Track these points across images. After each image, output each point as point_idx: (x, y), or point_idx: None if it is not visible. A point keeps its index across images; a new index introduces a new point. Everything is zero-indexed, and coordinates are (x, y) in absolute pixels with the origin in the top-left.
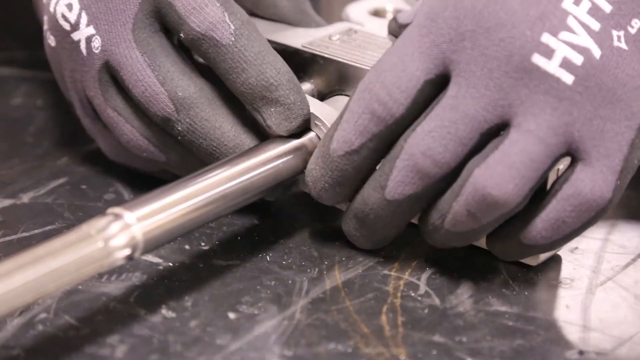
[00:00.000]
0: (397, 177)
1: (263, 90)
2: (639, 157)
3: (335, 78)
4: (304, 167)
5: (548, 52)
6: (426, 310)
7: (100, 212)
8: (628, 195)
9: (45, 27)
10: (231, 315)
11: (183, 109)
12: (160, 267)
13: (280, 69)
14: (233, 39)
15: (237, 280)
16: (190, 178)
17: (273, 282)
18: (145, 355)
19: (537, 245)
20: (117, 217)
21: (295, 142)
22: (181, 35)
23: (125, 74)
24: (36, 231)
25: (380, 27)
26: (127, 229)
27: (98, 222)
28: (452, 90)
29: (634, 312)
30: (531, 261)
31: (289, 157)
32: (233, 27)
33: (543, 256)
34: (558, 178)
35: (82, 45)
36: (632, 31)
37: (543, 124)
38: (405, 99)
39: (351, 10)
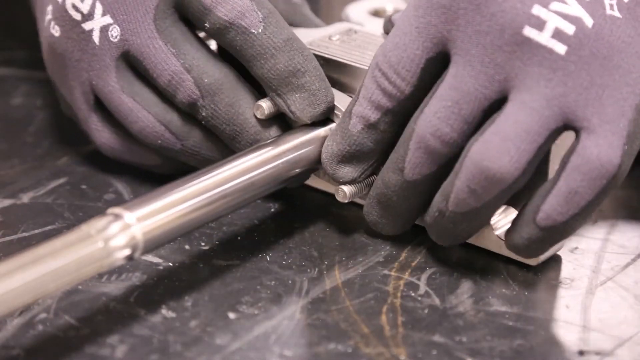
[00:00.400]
0: (412, 159)
1: (290, 76)
2: None
3: (335, 78)
4: (317, 162)
5: (539, 24)
6: (426, 310)
7: (100, 212)
8: (628, 195)
9: (49, 17)
10: (231, 315)
11: (208, 95)
12: (160, 267)
13: (307, 56)
14: (262, 26)
15: (237, 280)
16: (190, 178)
17: (273, 282)
18: (145, 355)
19: (556, 224)
20: (117, 217)
21: (311, 134)
22: (205, 25)
23: (149, 63)
24: (36, 231)
25: (380, 27)
26: (127, 229)
27: (98, 222)
28: (452, 68)
29: (634, 312)
30: (531, 261)
31: (301, 151)
32: (261, 15)
33: (543, 256)
34: (567, 152)
35: (95, 35)
36: None
37: (537, 96)
38: (412, 77)
39: (351, 10)
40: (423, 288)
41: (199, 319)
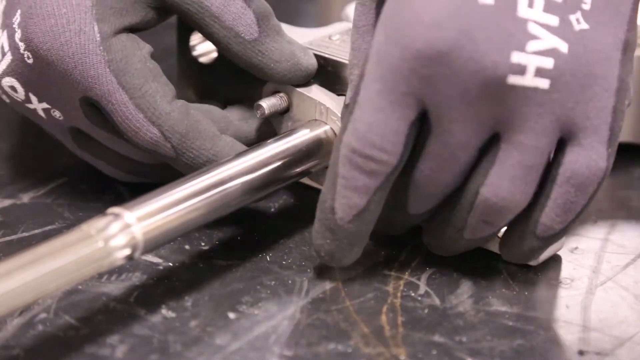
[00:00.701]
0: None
1: (300, 75)
2: (622, 119)
3: (335, 78)
4: (317, 163)
5: (521, 69)
6: (426, 310)
7: (100, 212)
8: (628, 195)
9: None
10: (231, 315)
11: (170, 130)
12: (160, 267)
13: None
14: (257, 34)
15: (237, 280)
16: (190, 178)
17: (273, 282)
18: (145, 355)
19: (555, 232)
20: (117, 217)
21: (308, 137)
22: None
23: (110, 113)
24: (36, 231)
25: None
26: (127, 229)
27: (98, 222)
28: (436, 128)
29: (634, 312)
30: (531, 261)
31: (293, 155)
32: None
33: (543, 256)
34: (552, 162)
35: (41, 113)
36: (587, 7)
37: (530, 132)
38: (399, 147)
39: (351, 10)
40: (423, 288)
41: (199, 319)
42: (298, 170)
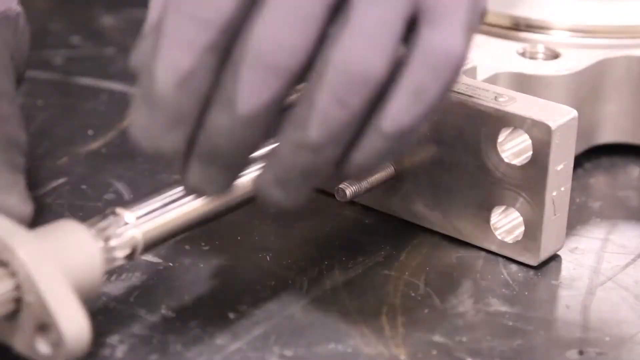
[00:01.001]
0: (247, 84)
1: None
2: (480, 9)
3: None
4: None
5: None
6: (426, 310)
7: (100, 212)
8: (628, 195)
9: None
10: (231, 315)
11: None
12: (160, 267)
13: None
14: None
15: (237, 280)
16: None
17: (273, 282)
18: (145, 355)
19: (403, 128)
20: (117, 217)
21: None
22: None
23: None
24: None
25: None
26: (127, 229)
27: (98, 222)
28: None
29: (634, 312)
30: (531, 261)
31: None
32: None
33: (543, 255)
34: (406, 47)
35: None
36: None
37: None
38: None
39: None
40: (423, 288)
41: (199, 319)
42: None
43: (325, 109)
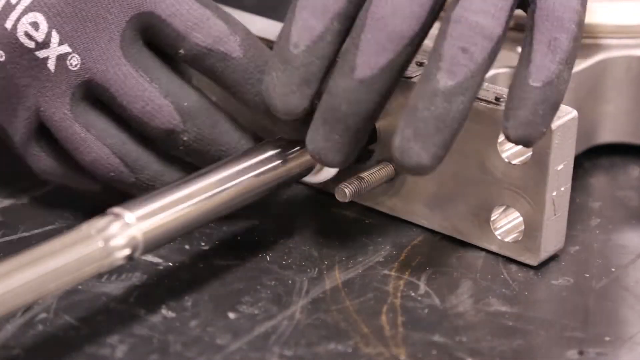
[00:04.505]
0: (366, 51)
1: None
2: None
3: None
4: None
5: None
6: (426, 310)
7: (100, 212)
8: (628, 195)
9: None
10: (231, 315)
11: (190, 119)
12: (160, 267)
13: None
14: (242, 50)
15: (237, 280)
16: (190, 178)
17: (273, 282)
18: (145, 355)
19: (550, 77)
20: (117, 217)
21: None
22: (180, 51)
23: (118, 91)
24: (36, 231)
25: None
26: (127, 229)
27: (98, 222)
28: None
29: (634, 312)
30: (531, 261)
31: (292, 155)
32: (239, 39)
33: (543, 255)
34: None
35: (51, 63)
36: None
37: None
38: None
39: None
40: (423, 288)
41: (199, 319)
42: (299, 170)
43: (452, 57)
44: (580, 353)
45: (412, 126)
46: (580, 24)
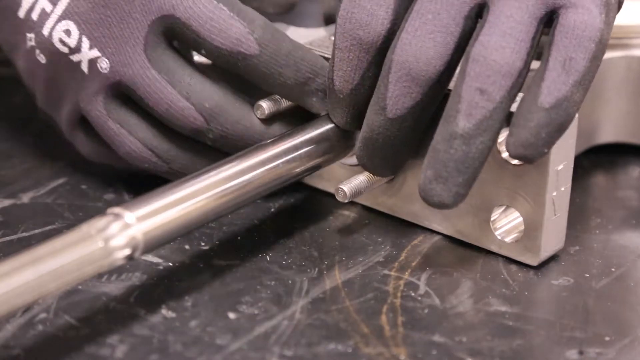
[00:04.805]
0: (393, 93)
1: (302, 85)
2: None
3: None
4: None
5: None
6: (426, 310)
7: (100, 212)
8: (628, 195)
9: (32, 44)
10: (231, 315)
11: (213, 119)
12: (160, 267)
13: (312, 60)
14: (260, 48)
15: (237, 280)
16: (190, 178)
17: (273, 282)
18: (145, 355)
19: (559, 99)
20: (117, 217)
21: (313, 134)
22: (202, 51)
23: (144, 92)
24: (36, 231)
25: None
26: (127, 229)
27: (98, 222)
28: None
29: (634, 312)
30: (531, 261)
31: (295, 155)
32: (257, 36)
33: (543, 255)
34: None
35: (84, 65)
36: None
37: None
38: (387, 12)
39: None
40: (423, 288)
41: (199, 319)
42: (298, 170)
43: (470, 98)
44: (580, 353)
45: (433, 168)
46: (602, 42)
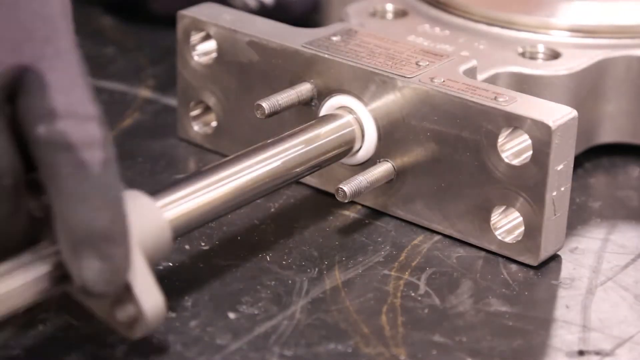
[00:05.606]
0: None
1: (99, 237)
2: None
3: (335, 78)
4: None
5: None
6: (426, 310)
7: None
8: (628, 195)
9: None
10: (231, 315)
11: None
12: (160, 267)
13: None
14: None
15: (237, 280)
16: (190, 178)
17: (273, 282)
18: (145, 355)
19: None
20: None
21: (332, 126)
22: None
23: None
24: None
25: (380, 27)
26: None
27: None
28: None
29: (634, 312)
30: (531, 261)
31: (309, 148)
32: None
33: (543, 255)
34: None
35: None
36: None
37: None
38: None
39: (351, 10)
40: (423, 288)
41: (199, 319)
42: (298, 170)
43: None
44: (580, 353)
45: None
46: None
